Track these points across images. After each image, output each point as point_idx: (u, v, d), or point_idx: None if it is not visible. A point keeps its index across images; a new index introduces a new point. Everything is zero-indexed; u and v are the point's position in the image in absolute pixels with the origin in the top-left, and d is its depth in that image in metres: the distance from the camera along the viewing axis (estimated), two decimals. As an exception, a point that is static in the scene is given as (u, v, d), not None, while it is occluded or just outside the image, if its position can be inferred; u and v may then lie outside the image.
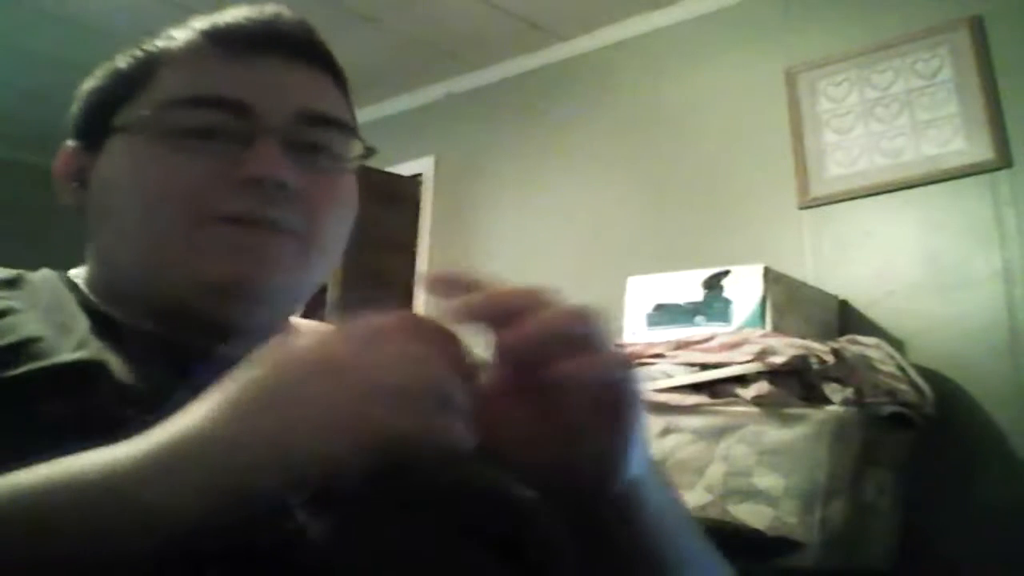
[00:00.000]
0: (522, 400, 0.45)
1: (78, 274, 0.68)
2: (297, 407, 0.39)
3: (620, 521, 0.49)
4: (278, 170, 0.59)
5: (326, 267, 0.65)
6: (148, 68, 0.63)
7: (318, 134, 0.63)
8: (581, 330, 0.44)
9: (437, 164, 3.70)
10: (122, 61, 0.65)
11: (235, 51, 0.62)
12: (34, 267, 0.67)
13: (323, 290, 2.97)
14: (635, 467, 0.46)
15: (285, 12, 0.64)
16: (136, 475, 0.38)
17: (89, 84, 0.67)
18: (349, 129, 0.65)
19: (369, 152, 0.67)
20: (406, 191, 3.68)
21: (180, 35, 0.64)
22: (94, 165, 0.64)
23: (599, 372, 0.43)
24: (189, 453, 0.38)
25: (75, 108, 0.68)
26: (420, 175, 3.72)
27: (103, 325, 0.58)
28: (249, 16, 0.63)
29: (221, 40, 0.62)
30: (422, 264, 3.63)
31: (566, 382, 0.43)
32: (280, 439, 0.38)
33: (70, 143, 0.67)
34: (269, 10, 0.64)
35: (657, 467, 0.52)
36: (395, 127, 3.75)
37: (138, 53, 0.65)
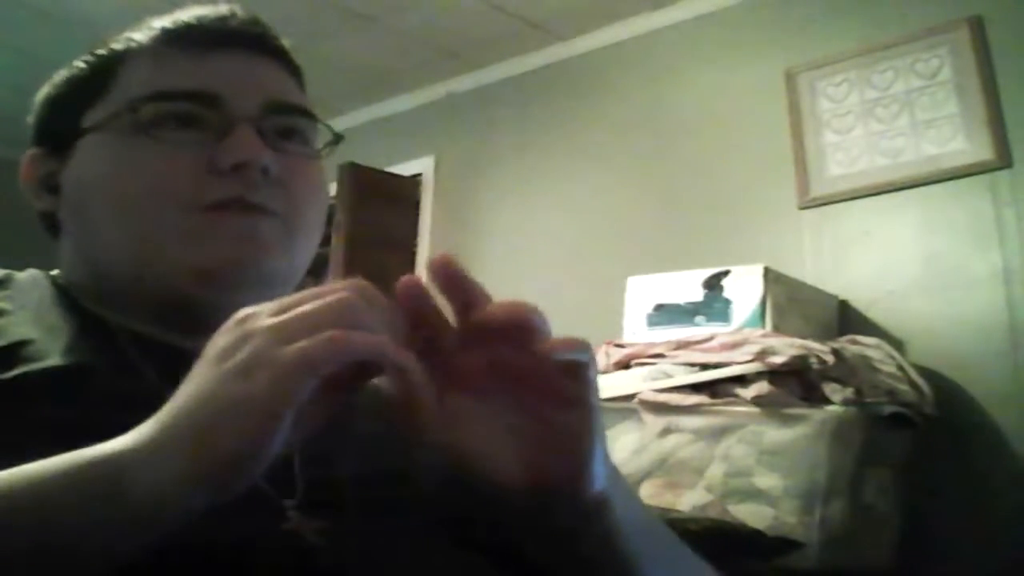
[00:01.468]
0: (489, 403, 0.45)
1: (61, 275, 0.67)
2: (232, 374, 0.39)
3: (586, 526, 0.49)
4: (261, 154, 0.60)
5: (307, 252, 0.66)
6: (109, 68, 0.64)
7: (287, 122, 0.65)
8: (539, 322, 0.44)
9: (437, 164, 3.70)
10: (79, 65, 0.66)
11: (196, 47, 0.63)
12: (33, 267, 0.67)
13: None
14: (601, 467, 0.46)
15: (237, 10, 0.66)
16: (118, 470, 0.38)
17: (46, 92, 0.68)
18: (314, 117, 0.67)
19: (337, 139, 0.69)
20: (406, 191, 3.68)
21: (139, 35, 0.65)
22: (63, 169, 0.64)
23: (564, 351, 0.43)
24: (166, 441, 0.39)
25: (35, 116, 0.68)
26: (420, 175, 3.72)
27: (92, 326, 0.58)
28: (205, 14, 0.65)
29: (181, 37, 0.63)
30: (422, 264, 3.63)
31: (538, 357, 0.43)
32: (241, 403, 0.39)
33: (33, 150, 0.67)
34: (222, 8, 0.65)
35: (618, 472, 0.51)
36: (395, 127, 3.75)
37: (94, 57, 0.65)
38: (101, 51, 0.65)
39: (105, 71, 0.64)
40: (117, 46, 0.65)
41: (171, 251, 0.59)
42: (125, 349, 0.56)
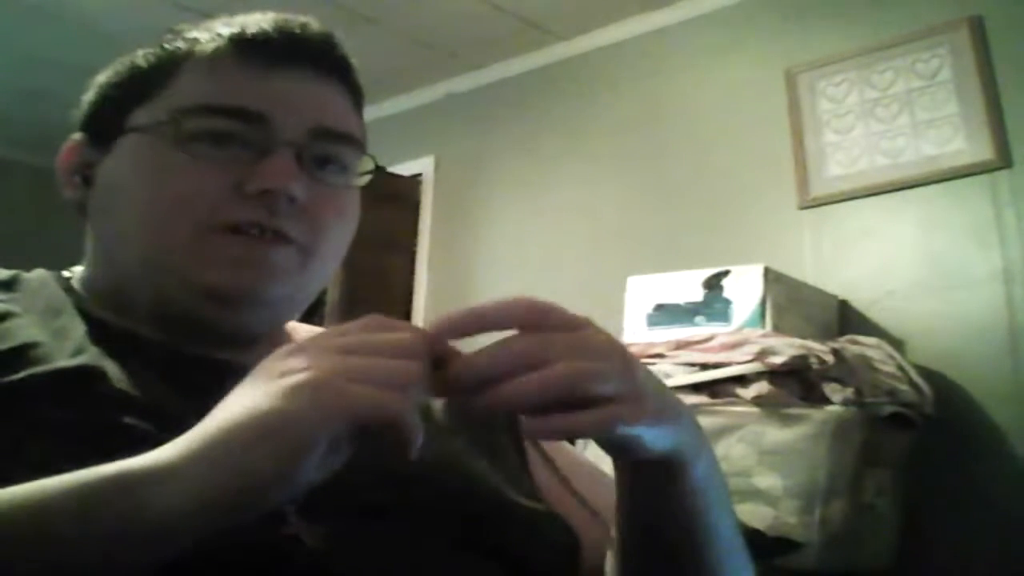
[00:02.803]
0: None
1: (74, 274, 0.68)
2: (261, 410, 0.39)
3: (659, 486, 0.51)
4: (290, 183, 0.59)
5: (324, 277, 0.66)
6: (168, 68, 0.63)
7: (330, 149, 0.64)
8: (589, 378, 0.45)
9: (437, 164, 3.70)
10: (142, 58, 0.64)
11: (259, 61, 0.62)
12: (33, 268, 0.67)
13: (322, 291, 2.97)
14: (652, 447, 0.48)
15: (313, 24, 0.64)
16: (132, 490, 0.38)
17: (105, 77, 0.66)
18: (360, 146, 0.66)
19: (378, 169, 0.68)
20: (406, 191, 3.68)
21: (205, 38, 0.63)
22: (101, 161, 0.64)
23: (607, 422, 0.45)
24: (188, 464, 0.39)
25: (88, 100, 0.66)
26: (420, 175, 3.73)
27: (100, 330, 0.58)
28: (277, 26, 0.63)
29: (247, 48, 0.62)
30: (422, 264, 3.63)
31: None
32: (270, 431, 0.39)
33: (77, 136, 0.66)
34: (297, 21, 0.64)
35: (697, 439, 0.52)
36: (395, 127, 3.76)
37: (159, 52, 0.64)
38: (167, 46, 0.64)
39: (162, 71, 0.63)
40: (181, 46, 0.63)
41: (180, 267, 0.59)
42: (131, 353, 0.56)
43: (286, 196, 0.59)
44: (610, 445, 0.49)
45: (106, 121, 0.64)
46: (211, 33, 0.63)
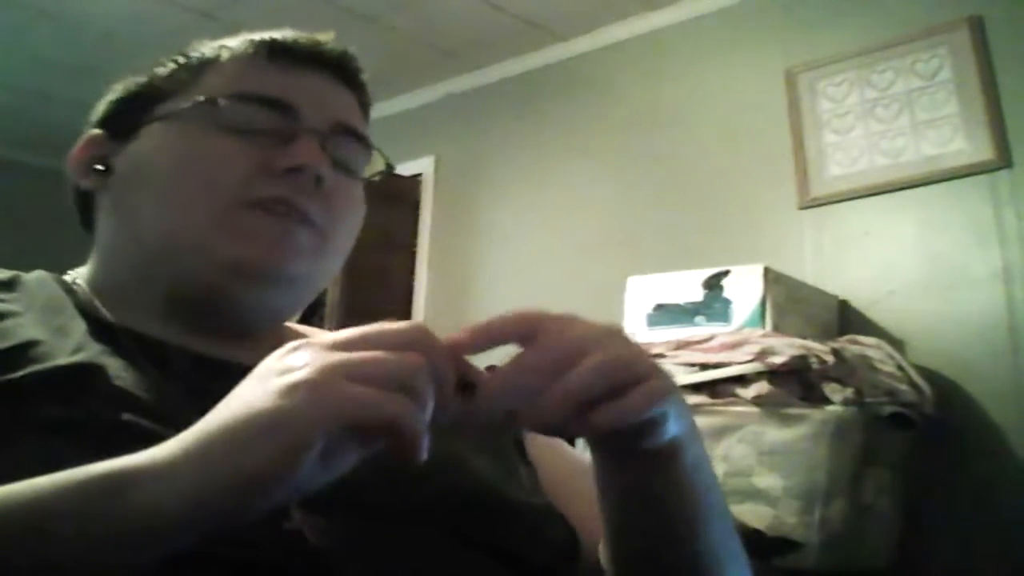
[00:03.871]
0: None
1: (76, 275, 0.68)
2: (253, 409, 0.38)
3: (655, 473, 0.51)
4: (320, 163, 0.63)
5: (334, 266, 0.69)
6: (195, 70, 0.67)
7: (347, 145, 0.68)
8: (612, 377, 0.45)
9: (437, 164, 3.70)
10: (162, 65, 0.69)
11: (287, 62, 0.67)
12: (34, 267, 0.67)
13: (322, 291, 2.97)
14: (671, 428, 0.48)
15: (332, 39, 0.70)
16: (123, 487, 0.38)
17: (125, 82, 0.70)
18: (370, 148, 0.71)
19: (389, 169, 0.73)
20: (406, 191, 3.68)
21: (233, 43, 0.68)
22: (121, 152, 0.66)
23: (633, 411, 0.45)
24: (179, 461, 0.38)
25: (106, 100, 0.70)
26: (420, 175, 3.73)
27: (101, 329, 0.58)
28: (301, 36, 0.69)
29: (274, 50, 0.67)
30: (422, 264, 3.63)
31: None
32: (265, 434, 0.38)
33: (94, 132, 0.69)
34: (320, 36, 0.70)
35: (694, 424, 0.53)
36: (395, 127, 3.76)
37: (184, 58, 0.68)
38: (190, 53, 0.68)
39: (188, 71, 0.67)
40: (207, 52, 0.68)
41: (208, 241, 0.61)
42: (132, 351, 0.56)
43: (314, 176, 0.62)
44: (631, 432, 0.47)
45: (127, 116, 0.67)
46: (238, 40, 0.68)
